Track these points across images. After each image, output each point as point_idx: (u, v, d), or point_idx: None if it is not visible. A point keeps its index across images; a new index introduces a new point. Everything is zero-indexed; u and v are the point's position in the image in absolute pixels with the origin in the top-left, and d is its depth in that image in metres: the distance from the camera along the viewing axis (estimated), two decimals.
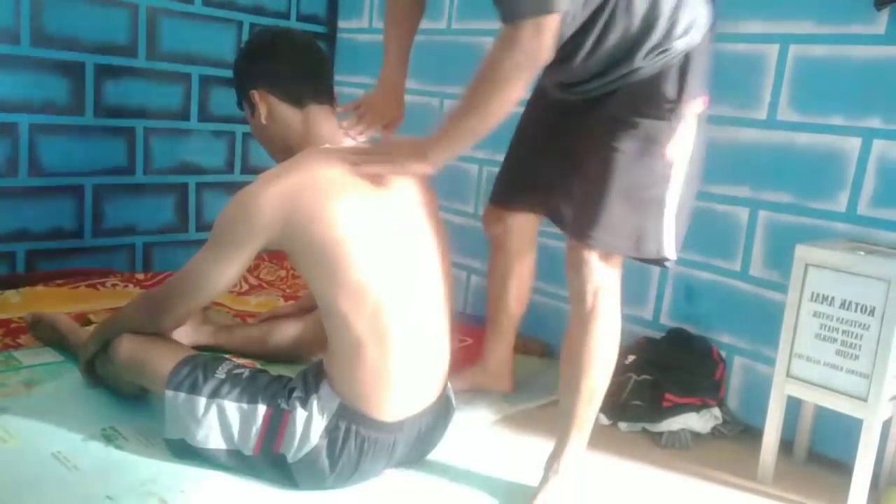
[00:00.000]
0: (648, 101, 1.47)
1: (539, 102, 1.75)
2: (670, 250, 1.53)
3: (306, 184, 1.42)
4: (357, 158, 1.46)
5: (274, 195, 1.40)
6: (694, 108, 1.48)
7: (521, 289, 1.97)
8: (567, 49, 1.45)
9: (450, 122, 1.40)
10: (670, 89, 1.46)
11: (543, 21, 1.28)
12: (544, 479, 1.57)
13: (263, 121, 1.58)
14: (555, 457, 1.59)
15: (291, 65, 1.57)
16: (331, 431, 1.42)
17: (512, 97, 1.34)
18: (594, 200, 1.48)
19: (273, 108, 1.57)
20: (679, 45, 1.44)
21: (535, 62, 1.32)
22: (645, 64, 1.45)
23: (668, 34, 1.43)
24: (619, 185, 1.46)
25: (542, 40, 1.29)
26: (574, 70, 1.50)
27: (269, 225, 1.40)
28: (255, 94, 1.57)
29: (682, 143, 1.48)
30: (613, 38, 1.43)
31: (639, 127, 1.46)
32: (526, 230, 1.89)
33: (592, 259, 1.49)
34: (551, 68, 1.44)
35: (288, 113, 1.57)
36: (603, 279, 1.51)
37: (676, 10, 1.43)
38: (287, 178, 1.43)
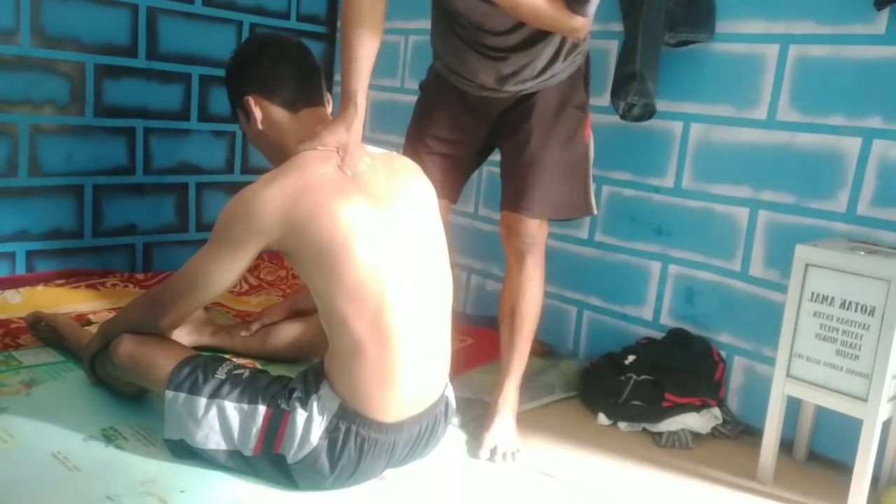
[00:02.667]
0: (570, 97, 1.80)
1: (455, 103, 1.86)
2: (591, 207, 1.89)
3: (308, 185, 1.42)
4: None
5: (275, 196, 1.40)
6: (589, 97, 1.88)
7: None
8: (511, 45, 1.69)
9: None
10: (582, 86, 1.83)
11: (585, 21, 1.59)
12: (494, 413, 1.82)
13: (259, 126, 1.59)
14: (501, 392, 1.86)
15: (283, 69, 1.57)
16: (331, 432, 1.42)
17: (529, 20, 1.58)
18: (532, 179, 1.78)
19: (268, 113, 1.58)
20: (585, 46, 1.80)
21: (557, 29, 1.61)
22: (565, 66, 1.76)
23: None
24: (553, 166, 1.79)
25: (580, 30, 1.61)
26: (515, 69, 1.70)
27: (270, 225, 1.40)
28: (250, 101, 1.57)
29: (590, 125, 1.86)
30: (546, 41, 1.68)
31: (566, 118, 1.80)
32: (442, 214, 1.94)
33: (532, 225, 1.80)
34: (492, 62, 1.72)
35: (283, 117, 1.57)
36: (538, 240, 1.84)
37: None
38: (289, 179, 1.43)
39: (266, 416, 1.43)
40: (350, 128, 1.51)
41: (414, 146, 1.90)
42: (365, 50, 1.57)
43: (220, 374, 1.48)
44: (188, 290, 1.50)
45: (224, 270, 1.46)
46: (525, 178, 1.80)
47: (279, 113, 1.57)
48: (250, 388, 1.47)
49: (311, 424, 1.42)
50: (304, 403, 1.44)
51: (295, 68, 1.58)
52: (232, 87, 1.63)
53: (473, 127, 1.87)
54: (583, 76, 1.83)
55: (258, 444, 1.44)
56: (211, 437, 1.45)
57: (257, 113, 1.57)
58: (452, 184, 1.93)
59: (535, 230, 1.82)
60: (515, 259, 1.86)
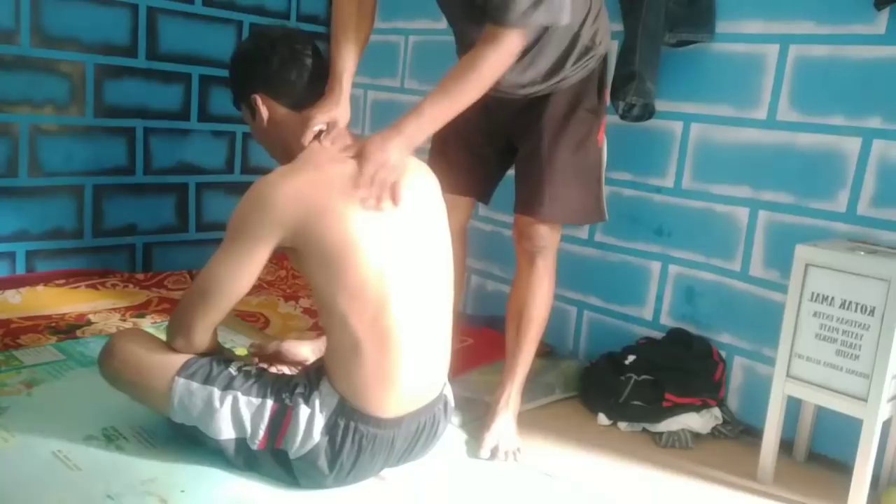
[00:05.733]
0: (582, 100, 1.78)
1: (475, 102, 1.75)
2: (604, 213, 1.89)
3: (321, 182, 1.42)
4: (363, 192, 1.43)
5: (290, 191, 1.40)
6: (607, 100, 1.87)
7: (460, 268, 1.96)
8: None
9: (429, 106, 1.53)
10: (595, 90, 1.81)
11: (521, 33, 1.52)
12: (495, 413, 1.83)
13: (265, 124, 1.58)
14: (503, 392, 1.87)
15: (293, 72, 1.55)
16: (330, 428, 1.43)
17: (485, 88, 1.55)
18: (543, 182, 1.77)
19: (274, 113, 1.56)
20: (600, 49, 1.76)
21: (508, 63, 1.55)
22: (576, 69, 1.74)
23: (592, 39, 1.73)
24: (564, 169, 1.77)
25: (517, 46, 1.54)
26: (519, 74, 1.69)
27: (284, 219, 1.40)
28: (258, 100, 1.56)
29: (605, 130, 1.85)
30: (552, 43, 1.67)
31: (577, 121, 1.78)
32: (463, 213, 1.96)
33: (543, 229, 1.80)
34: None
35: (288, 117, 1.56)
36: (549, 243, 1.83)
37: (597, 18, 1.73)
38: (303, 175, 1.43)
39: (272, 410, 1.44)
40: (338, 104, 1.55)
41: (439, 144, 1.90)
42: (351, 34, 1.61)
43: (232, 369, 1.49)
44: (204, 295, 1.46)
45: (242, 268, 1.43)
46: (536, 182, 1.78)
47: (284, 113, 1.56)
48: (259, 383, 1.48)
49: (313, 420, 1.43)
50: (307, 399, 1.44)
51: (304, 71, 1.55)
52: (238, 82, 1.61)
53: (492, 127, 1.87)
54: (597, 80, 1.81)
55: (264, 439, 1.44)
56: (223, 427, 1.45)
57: (263, 112, 1.56)
58: (480, 182, 1.93)
59: (546, 234, 1.81)
60: (526, 262, 1.85)
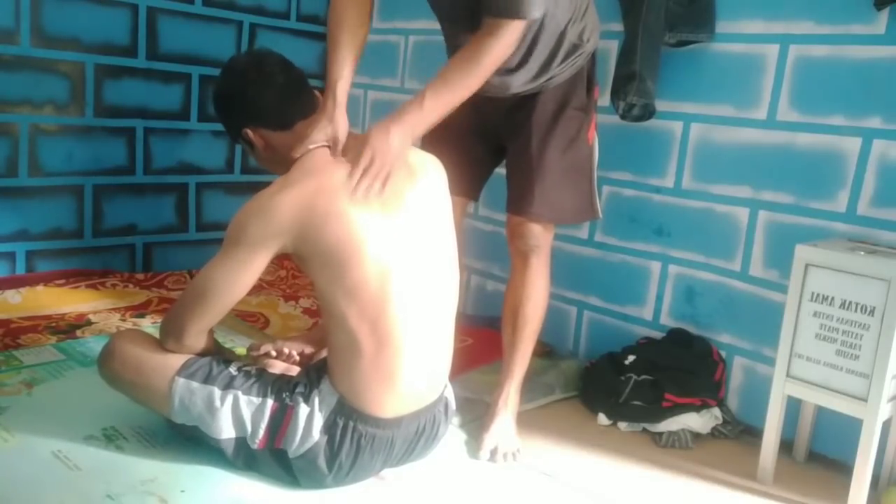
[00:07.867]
0: (570, 98, 1.78)
1: (466, 101, 1.75)
2: (597, 211, 1.89)
3: (322, 188, 1.43)
4: (355, 183, 1.44)
5: (293, 198, 1.41)
6: (596, 97, 1.86)
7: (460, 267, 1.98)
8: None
9: (432, 96, 1.53)
10: (584, 87, 1.80)
11: (521, 23, 1.53)
12: (494, 414, 1.83)
13: (263, 152, 1.58)
14: (502, 393, 1.87)
15: (269, 94, 1.53)
16: (329, 427, 1.43)
17: (484, 79, 1.56)
18: (533, 181, 1.77)
19: (268, 139, 1.56)
20: (588, 47, 1.76)
21: (507, 54, 1.57)
22: (564, 67, 1.74)
23: (580, 37, 1.73)
24: (553, 168, 1.77)
25: (516, 38, 1.55)
26: (509, 75, 1.70)
27: (287, 228, 1.40)
28: (249, 133, 1.56)
29: (595, 127, 1.84)
30: (540, 43, 1.67)
31: (566, 120, 1.78)
32: (458, 213, 1.90)
33: (534, 228, 1.80)
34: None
35: (282, 138, 1.55)
36: (542, 242, 1.83)
37: (584, 15, 1.73)
38: (305, 182, 1.43)
39: (272, 409, 1.45)
40: (332, 119, 1.53)
41: (431, 145, 1.89)
42: (346, 39, 1.60)
43: (232, 369, 1.49)
44: (199, 299, 1.46)
45: (238, 274, 1.43)
46: (527, 181, 1.78)
47: (278, 136, 1.55)
48: (259, 382, 1.48)
49: (312, 419, 1.43)
50: (307, 398, 1.45)
51: (279, 88, 1.54)
52: (226, 122, 1.61)
53: (483, 127, 1.86)
54: (585, 77, 1.80)
55: (264, 438, 1.45)
56: (224, 427, 1.45)
57: (258, 141, 1.56)
58: (473, 181, 1.93)
59: (539, 233, 1.81)
60: (520, 261, 1.85)
